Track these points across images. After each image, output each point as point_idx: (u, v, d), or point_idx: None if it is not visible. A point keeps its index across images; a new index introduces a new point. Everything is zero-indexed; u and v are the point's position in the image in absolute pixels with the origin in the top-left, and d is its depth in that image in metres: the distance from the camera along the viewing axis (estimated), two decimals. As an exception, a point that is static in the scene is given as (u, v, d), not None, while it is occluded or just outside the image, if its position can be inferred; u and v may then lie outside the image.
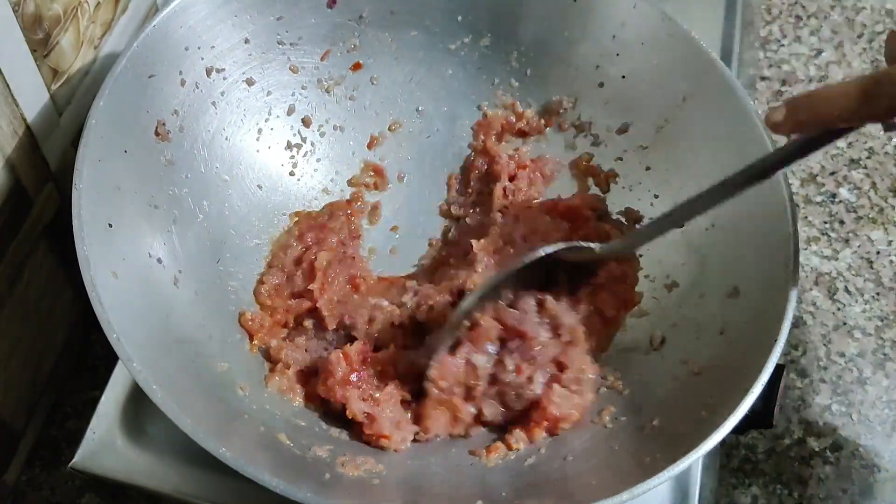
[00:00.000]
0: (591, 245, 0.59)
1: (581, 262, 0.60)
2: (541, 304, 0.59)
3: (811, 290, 0.86)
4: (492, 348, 0.57)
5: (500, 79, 0.72)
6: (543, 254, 0.58)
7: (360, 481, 0.51)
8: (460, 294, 0.60)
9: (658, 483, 0.47)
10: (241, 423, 0.52)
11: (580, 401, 0.57)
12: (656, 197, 0.66)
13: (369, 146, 0.71)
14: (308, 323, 0.62)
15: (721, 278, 0.59)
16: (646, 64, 0.67)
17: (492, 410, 0.57)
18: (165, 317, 0.54)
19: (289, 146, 0.69)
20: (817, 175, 0.93)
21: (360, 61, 0.70)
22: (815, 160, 0.93)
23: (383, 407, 0.56)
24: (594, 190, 0.69)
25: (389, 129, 0.72)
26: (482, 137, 0.71)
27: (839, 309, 0.84)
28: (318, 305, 0.61)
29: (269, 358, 0.60)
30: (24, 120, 0.58)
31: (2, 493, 0.68)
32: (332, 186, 0.70)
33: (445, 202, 0.71)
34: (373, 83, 0.71)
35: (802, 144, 0.47)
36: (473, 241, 0.64)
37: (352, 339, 0.60)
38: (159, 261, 0.56)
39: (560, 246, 0.59)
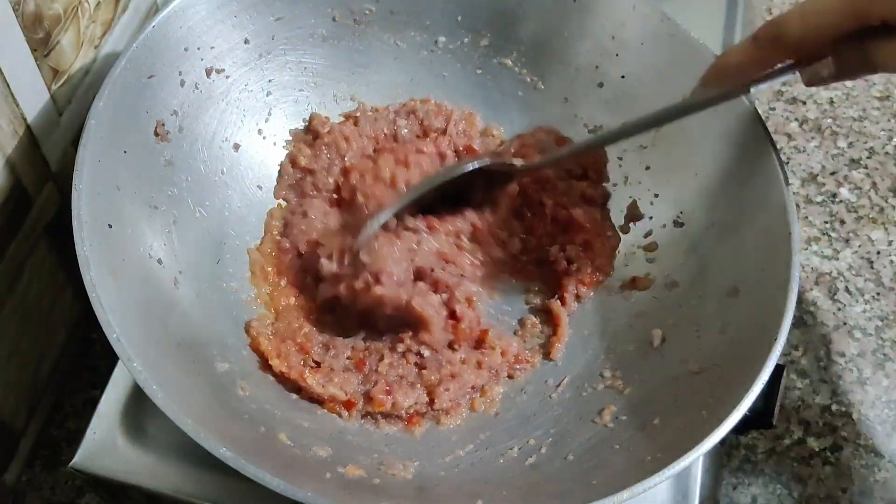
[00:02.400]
0: (514, 161, 0.64)
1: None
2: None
3: (811, 290, 0.86)
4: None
5: (500, 79, 0.72)
6: (471, 168, 0.63)
7: (361, 481, 0.51)
8: None
9: (658, 482, 0.47)
10: (242, 423, 0.52)
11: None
12: (656, 196, 0.66)
13: (369, 146, 0.71)
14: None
15: (721, 278, 0.59)
16: (645, 64, 0.67)
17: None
18: (165, 317, 0.54)
19: (289, 146, 0.69)
20: (818, 175, 0.93)
21: (360, 62, 0.70)
22: (815, 160, 0.93)
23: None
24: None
25: (389, 129, 0.72)
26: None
27: (839, 309, 0.84)
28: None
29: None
30: (25, 119, 0.58)
31: (2, 492, 0.68)
32: (332, 186, 0.70)
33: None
34: (373, 84, 0.71)
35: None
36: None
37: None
38: (159, 261, 0.56)
39: (486, 162, 0.63)
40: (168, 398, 0.46)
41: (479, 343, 0.61)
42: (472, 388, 0.60)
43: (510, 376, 0.61)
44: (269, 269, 0.64)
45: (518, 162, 0.64)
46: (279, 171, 0.68)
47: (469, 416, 0.59)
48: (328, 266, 0.61)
